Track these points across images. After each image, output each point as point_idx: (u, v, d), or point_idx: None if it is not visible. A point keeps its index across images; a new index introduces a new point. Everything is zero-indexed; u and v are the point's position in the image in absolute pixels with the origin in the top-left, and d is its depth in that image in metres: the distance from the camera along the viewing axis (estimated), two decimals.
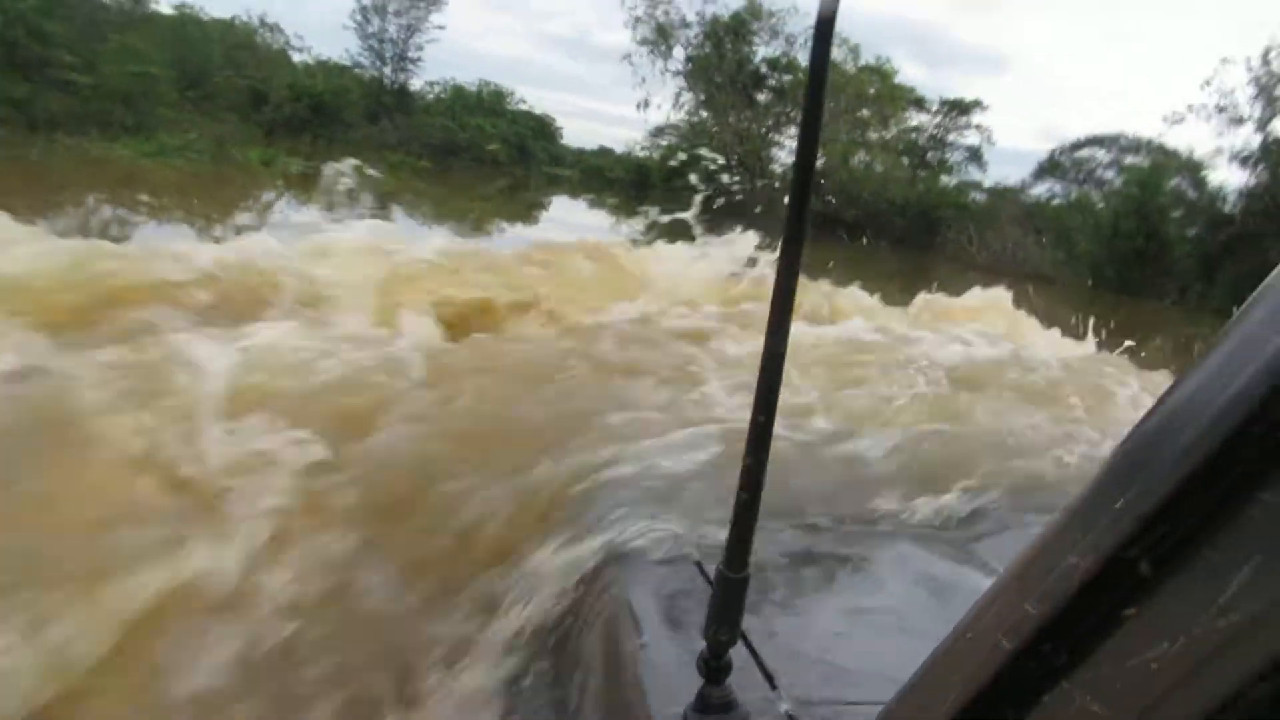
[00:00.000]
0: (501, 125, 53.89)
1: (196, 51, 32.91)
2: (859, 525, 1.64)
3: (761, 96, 32.75)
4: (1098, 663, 0.40)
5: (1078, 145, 35.89)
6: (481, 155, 46.18)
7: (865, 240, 34.16)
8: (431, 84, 52.32)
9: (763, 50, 31.67)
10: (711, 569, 0.95)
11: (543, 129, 68.08)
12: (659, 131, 52.31)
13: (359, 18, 44.14)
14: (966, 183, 35.08)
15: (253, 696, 1.45)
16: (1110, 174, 35.38)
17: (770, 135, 33.45)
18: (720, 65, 31.18)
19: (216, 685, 1.44)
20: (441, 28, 45.38)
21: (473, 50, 70.59)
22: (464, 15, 69.23)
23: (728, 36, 31.00)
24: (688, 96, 33.09)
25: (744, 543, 0.68)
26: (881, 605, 1.24)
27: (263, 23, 38.63)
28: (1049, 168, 36.20)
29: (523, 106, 61.40)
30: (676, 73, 32.42)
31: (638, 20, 31.82)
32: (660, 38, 31.71)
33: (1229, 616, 0.36)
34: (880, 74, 32.34)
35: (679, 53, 32.00)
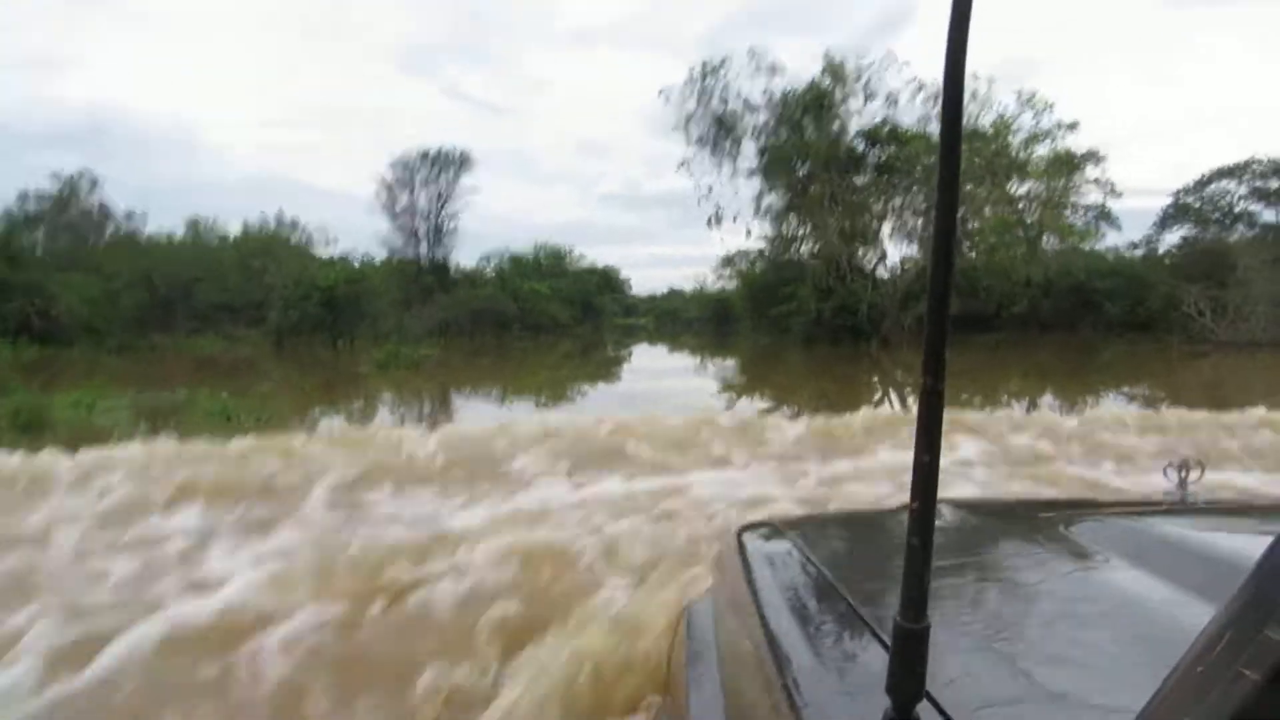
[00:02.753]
0: (563, 285, 49.12)
1: (195, 267, 28.44)
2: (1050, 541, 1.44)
3: (861, 180, 25.62)
4: None
5: (1203, 182, 30.59)
6: (538, 321, 40.46)
7: (993, 332, 26.32)
8: (487, 258, 48.15)
9: (856, 121, 24.99)
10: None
11: (608, 281, 63.81)
12: (729, 260, 46.76)
13: (384, 197, 39.93)
14: (1075, 251, 26.79)
15: None
16: (1257, 206, 29.76)
17: (881, 226, 26.09)
18: (805, 153, 24.47)
19: None
20: (475, 190, 40.75)
21: (529, 223, 70.96)
22: (519, 192, 68.83)
23: (807, 115, 24.44)
24: (771, 198, 26.26)
25: (920, 590, 0.67)
26: (1080, 637, 1.05)
27: (280, 221, 34.35)
28: (1177, 212, 31.11)
29: (584, 263, 57.39)
30: (751, 172, 25.79)
31: (690, 118, 25.44)
32: (723, 132, 25.24)
33: None
34: (983, 138, 24.73)
35: (749, 147, 25.52)
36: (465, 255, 50.74)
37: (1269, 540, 0.43)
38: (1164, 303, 27.97)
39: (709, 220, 25.90)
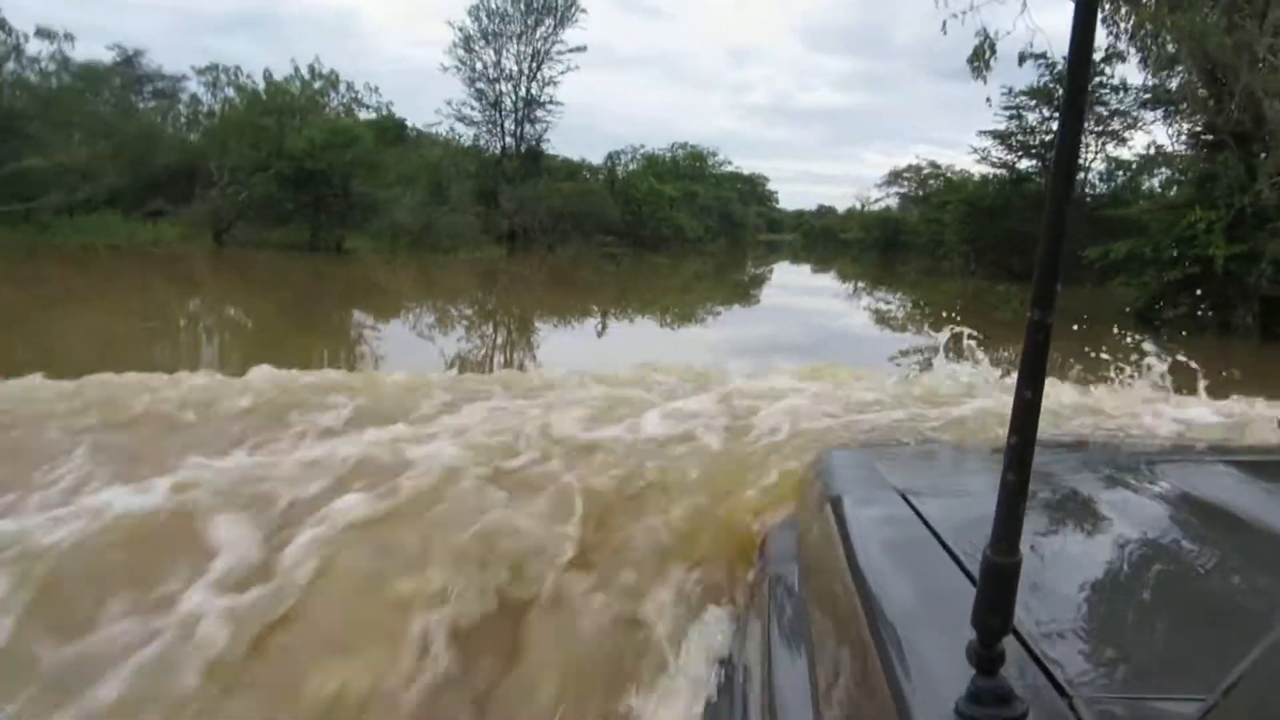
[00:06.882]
0: (699, 190, 37.89)
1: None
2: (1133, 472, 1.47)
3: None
4: None
5: None
6: (659, 232, 29.44)
7: None
8: (616, 153, 36.69)
9: None
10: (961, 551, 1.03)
11: (754, 190, 52.59)
12: (895, 177, 40.19)
13: (460, 51, 29.32)
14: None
15: None
16: None
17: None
18: None
19: None
20: (581, 49, 29.44)
21: (671, 130, 62.72)
22: (663, 97, 59.93)
23: None
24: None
25: (1013, 525, 0.67)
26: (1164, 577, 1.07)
27: (315, 73, 24.04)
28: None
29: (727, 169, 45.87)
30: None
31: None
32: None
33: None
34: None
35: None
36: (593, 155, 40.44)
37: None
38: None
39: (975, 53, 13.58)
